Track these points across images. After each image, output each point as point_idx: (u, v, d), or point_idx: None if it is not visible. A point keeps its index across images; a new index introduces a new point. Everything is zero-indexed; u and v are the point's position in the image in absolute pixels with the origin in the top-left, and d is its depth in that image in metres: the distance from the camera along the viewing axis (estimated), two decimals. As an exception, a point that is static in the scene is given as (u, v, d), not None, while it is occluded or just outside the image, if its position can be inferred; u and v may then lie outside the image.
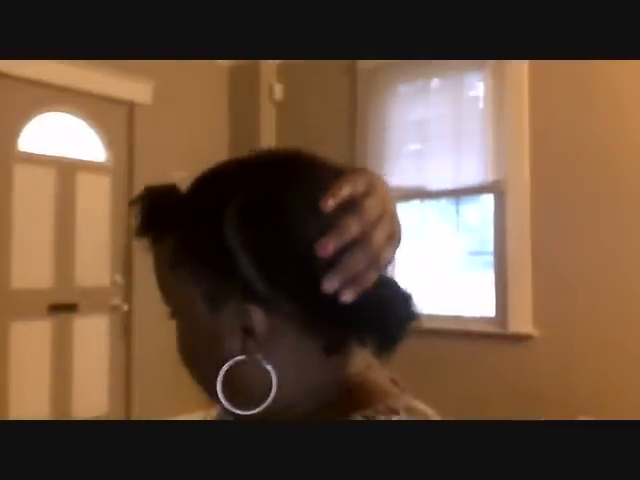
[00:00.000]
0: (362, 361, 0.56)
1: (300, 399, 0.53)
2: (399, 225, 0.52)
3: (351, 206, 0.48)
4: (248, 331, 0.50)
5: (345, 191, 0.48)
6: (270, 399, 0.50)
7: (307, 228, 0.48)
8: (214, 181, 0.53)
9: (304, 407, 0.53)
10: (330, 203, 0.47)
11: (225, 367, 0.50)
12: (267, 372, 0.50)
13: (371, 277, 0.48)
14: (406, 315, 0.52)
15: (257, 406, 0.51)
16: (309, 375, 0.53)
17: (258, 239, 0.48)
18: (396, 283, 0.53)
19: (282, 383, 0.51)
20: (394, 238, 0.51)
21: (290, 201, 0.49)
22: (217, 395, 0.51)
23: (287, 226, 0.48)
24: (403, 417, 0.49)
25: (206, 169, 0.55)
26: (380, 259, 0.49)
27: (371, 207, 0.49)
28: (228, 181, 0.52)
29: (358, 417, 0.49)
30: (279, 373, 0.51)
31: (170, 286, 0.54)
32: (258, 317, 0.49)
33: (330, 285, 0.47)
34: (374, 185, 0.50)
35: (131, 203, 0.55)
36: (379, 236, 0.49)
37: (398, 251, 0.53)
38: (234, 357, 0.50)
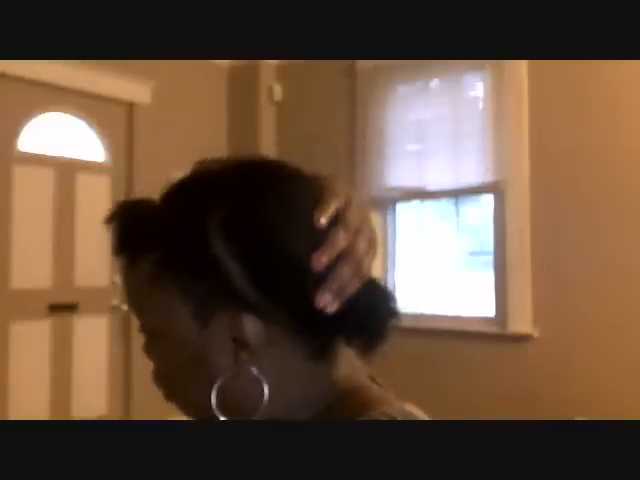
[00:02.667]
0: (346, 362, 0.57)
1: (292, 410, 0.53)
2: (374, 233, 0.54)
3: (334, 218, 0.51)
4: (239, 342, 0.50)
5: (333, 206, 0.50)
6: (262, 411, 0.50)
7: (292, 236, 0.50)
8: (191, 194, 0.52)
9: (296, 418, 0.53)
10: (323, 221, 0.49)
11: (219, 381, 0.50)
12: (259, 384, 0.50)
13: (355, 285, 0.51)
14: (389, 313, 0.53)
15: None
16: (299, 384, 0.53)
17: (246, 248, 0.49)
18: (377, 282, 0.54)
19: (273, 394, 0.51)
20: (373, 246, 0.53)
21: (271, 210, 0.50)
22: (210, 414, 0.51)
23: (273, 234, 0.49)
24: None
25: (178, 180, 0.54)
26: (363, 268, 0.51)
27: (353, 219, 0.51)
28: (206, 192, 0.51)
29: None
30: (270, 383, 0.51)
31: (150, 305, 0.53)
32: (250, 326, 0.49)
33: (323, 301, 0.49)
34: (351, 196, 0.53)
35: (107, 221, 0.53)
36: (361, 247, 0.51)
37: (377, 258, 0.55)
38: (226, 371, 0.50)
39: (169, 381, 0.55)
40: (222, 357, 0.50)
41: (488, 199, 3.14)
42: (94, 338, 3.32)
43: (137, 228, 0.52)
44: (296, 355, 0.52)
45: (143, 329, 0.55)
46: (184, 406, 0.55)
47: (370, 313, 0.52)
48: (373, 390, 0.56)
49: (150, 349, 0.56)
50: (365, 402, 0.53)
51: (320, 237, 0.49)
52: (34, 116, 3.13)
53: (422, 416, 0.53)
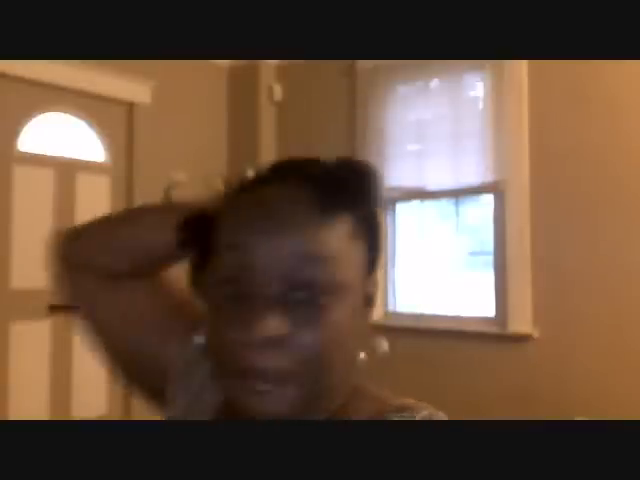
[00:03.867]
0: None
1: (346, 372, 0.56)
2: None
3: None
4: (369, 298, 0.60)
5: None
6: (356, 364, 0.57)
7: None
8: (358, 168, 0.61)
9: (334, 396, 0.53)
10: None
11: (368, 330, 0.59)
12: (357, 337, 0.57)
13: None
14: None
15: None
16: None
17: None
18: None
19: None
20: None
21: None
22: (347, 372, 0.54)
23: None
24: (425, 414, 0.52)
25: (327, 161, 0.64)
26: None
27: None
28: (361, 171, 0.61)
29: (393, 416, 0.52)
30: None
31: (343, 259, 0.55)
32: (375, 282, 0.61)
33: None
34: None
35: (307, 178, 0.59)
36: None
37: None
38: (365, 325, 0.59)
39: (335, 345, 0.52)
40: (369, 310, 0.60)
41: (488, 199, 3.14)
42: (94, 338, 3.32)
43: (344, 191, 0.58)
44: None
45: (326, 285, 0.53)
46: (337, 374, 0.53)
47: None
48: (368, 384, 0.59)
49: (326, 309, 0.53)
50: (375, 394, 0.57)
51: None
52: (34, 116, 3.12)
53: (422, 406, 0.54)
